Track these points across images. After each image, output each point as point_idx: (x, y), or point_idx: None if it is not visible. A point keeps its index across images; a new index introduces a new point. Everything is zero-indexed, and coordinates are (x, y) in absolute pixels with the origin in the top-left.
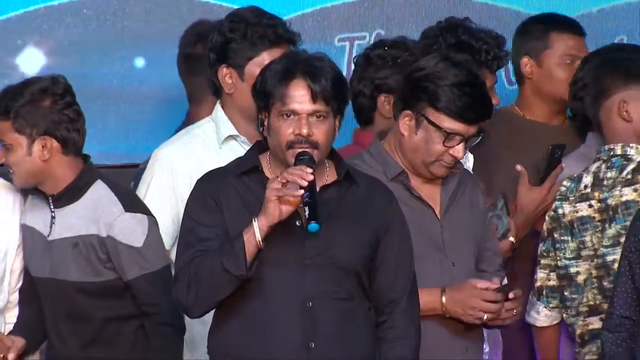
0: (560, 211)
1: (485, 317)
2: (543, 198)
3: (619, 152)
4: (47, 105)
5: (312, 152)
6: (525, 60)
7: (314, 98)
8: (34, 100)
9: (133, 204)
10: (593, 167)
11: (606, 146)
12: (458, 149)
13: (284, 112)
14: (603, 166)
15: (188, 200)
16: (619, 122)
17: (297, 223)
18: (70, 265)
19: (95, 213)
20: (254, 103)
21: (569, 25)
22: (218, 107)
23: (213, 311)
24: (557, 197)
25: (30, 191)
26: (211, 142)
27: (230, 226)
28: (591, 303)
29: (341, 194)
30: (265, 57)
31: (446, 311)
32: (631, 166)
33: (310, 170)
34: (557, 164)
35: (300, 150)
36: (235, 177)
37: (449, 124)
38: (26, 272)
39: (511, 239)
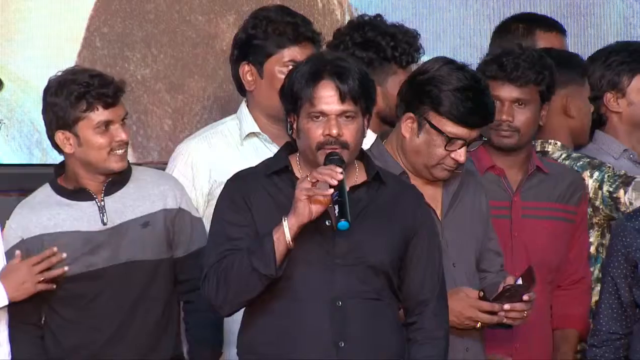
0: None
1: (478, 325)
2: None
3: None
4: None
5: (342, 152)
6: None
7: (342, 98)
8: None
9: None
10: None
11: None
12: (460, 153)
13: (312, 113)
14: None
15: (218, 199)
16: (559, 118)
17: (327, 223)
18: (144, 244)
19: (158, 189)
20: (274, 102)
21: (553, 25)
22: (243, 104)
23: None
24: None
25: (39, 200)
26: (233, 139)
27: (260, 226)
28: None
29: (370, 195)
30: (285, 55)
31: None
32: None
33: (340, 169)
34: None
35: (330, 150)
36: (265, 177)
37: (451, 128)
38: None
39: None
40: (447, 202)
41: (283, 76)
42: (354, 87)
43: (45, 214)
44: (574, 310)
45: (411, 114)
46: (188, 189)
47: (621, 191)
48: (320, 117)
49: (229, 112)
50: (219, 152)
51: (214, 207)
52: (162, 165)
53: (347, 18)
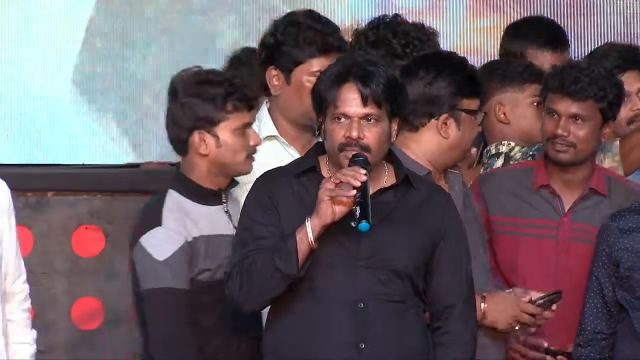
0: None
1: (517, 327)
2: None
3: (493, 151)
4: None
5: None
6: None
7: (365, 101)
8: None
9: None
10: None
11: (486, 149)
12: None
13: (336, 115)
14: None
15: (246, 198)
16: (497, 125)
17: (352, 224)
18: None
19: (235, 190)
20: (298, 109)
21: (554, 42)
22: (264, 106)
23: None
24: None
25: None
26: None
27: (286, 225)
28: None
29: (398, 198)
30: (313, 65)
31: (484, 319)
32: (500, 161)
33: (363, 171)
34: None
35: (353, 152)
36: (293, 177)
37: (474, 104)
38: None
39: None
40: (459, 201)
41: (310, 85)
42: (377, 91)
43: (191, 216)
44: None
45: (445, 114)
46: None
47: None
48: (343, 119)
49: None
50: None
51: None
52: (161, 166)
53: (348, 18)
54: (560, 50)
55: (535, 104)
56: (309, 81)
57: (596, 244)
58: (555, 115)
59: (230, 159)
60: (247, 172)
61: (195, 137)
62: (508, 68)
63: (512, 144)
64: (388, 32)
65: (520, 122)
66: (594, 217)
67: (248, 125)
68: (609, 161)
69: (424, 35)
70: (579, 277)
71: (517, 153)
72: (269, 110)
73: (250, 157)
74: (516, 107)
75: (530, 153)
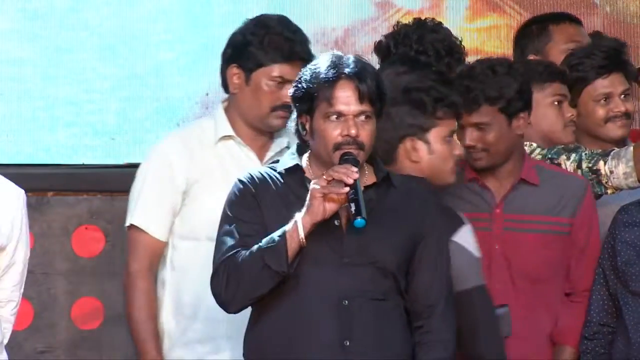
0: None
1: None
2: None
3: None
4: None
5: (358, 153)
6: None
7: (361, 99)
8: None
9: None
10: None
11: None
12: None
13: (330, 113)
14: None
15: (228, 197)
16: None
17: (336, 223)
18: None
19: None
20: (253, 110)
21: (564, 16)
22: (220, 105)
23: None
24: None
25: None
26: (207, 140)
27: (269, 223)
28: None
29: (379, 197)
30: (274, 70)
31: None
32: None
33: (355, 169)
34: None
35: (345, 150)
36: (275, 176)
37: None
38: None
39: None
40: None
41: (268, 89)
42: (372, 88)
43: None
44: (569, 324)
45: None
46: (166, 188)
47: (601, 162)
48: (338, 118)
49: None
50: (193, 153)
51: (188, 205)
52: None
53: (348, 17)
54: None
55: (556, 102)
56: (267, 85)
57: (605, 235)
58: (463, 128)
59: (441, 166)
60: (450, 183)
61: (407, 143)
62: (527, 68)
63: (534, 144)
64: (416, 34)
65: (541, 122)
66: (527, 206)
67: (453, 132)
68: (622, 167)
69: (444, 49)
70: (520, 266)
71: (537, 155)
72: (225, 110)
73: (454, 167)
74: (537, 107)
75: (549, 156)
